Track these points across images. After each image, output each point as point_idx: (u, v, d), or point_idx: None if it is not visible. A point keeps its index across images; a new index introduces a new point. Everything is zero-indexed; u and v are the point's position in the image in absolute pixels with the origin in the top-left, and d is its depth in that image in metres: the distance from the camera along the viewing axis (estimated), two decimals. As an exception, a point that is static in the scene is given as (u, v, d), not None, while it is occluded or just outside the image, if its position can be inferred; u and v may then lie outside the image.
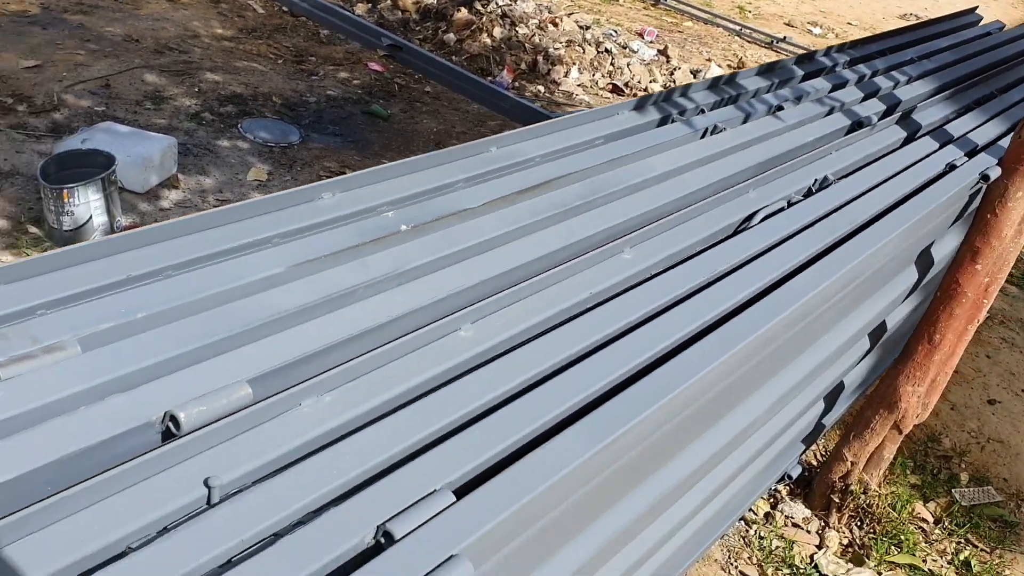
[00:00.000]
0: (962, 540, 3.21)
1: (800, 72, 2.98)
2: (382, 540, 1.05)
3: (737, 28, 9.22)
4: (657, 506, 1.83)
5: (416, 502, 1.09)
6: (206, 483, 1.06)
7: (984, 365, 4.23)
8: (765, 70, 2.88)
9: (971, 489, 3.46)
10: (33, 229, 3.73)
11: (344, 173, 4.54)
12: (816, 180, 2.27)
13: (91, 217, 3.62)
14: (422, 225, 1.61)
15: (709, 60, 8.02)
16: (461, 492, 1.13)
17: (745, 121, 2.51)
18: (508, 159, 1.93)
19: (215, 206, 4.17)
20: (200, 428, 1.10)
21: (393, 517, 1.06)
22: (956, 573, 3.07)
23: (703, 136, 2.35)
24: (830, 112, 2.69)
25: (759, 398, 2.08)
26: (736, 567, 2.88)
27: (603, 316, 1.54)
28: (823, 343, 2.36)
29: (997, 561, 3.14)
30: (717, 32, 9.11)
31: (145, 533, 1.01)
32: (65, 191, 3.53)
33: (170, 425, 1.11)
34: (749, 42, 8.96)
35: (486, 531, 1.06)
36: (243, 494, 1.07)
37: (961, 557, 3.13)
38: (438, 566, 1.00)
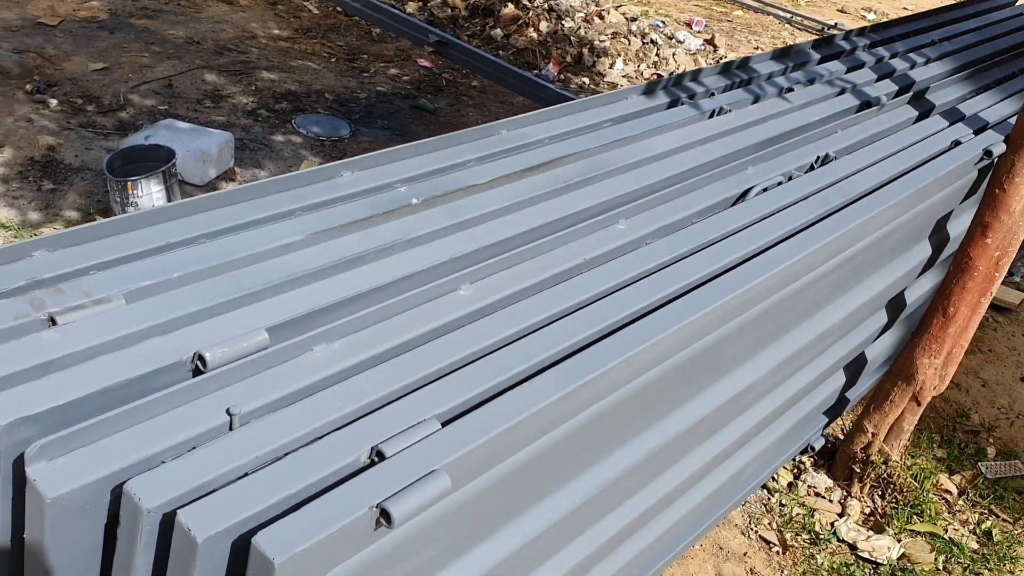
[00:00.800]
0: (985, 511, 3.28)
1: (816, 55, 3.09)
2: (375, 458, 1.22)
3: (788, 16, 9.21)
4: (657, 459, 1.98)
5: (406, 429, 1.27)
6: (228, 412, 1.25)
7: (1019, 344, 4.26)
8: (780, 54, 2.99)
9: (998, 462, 3.52)
10: (101, 219, 4.00)
11: (391, 164, 4.75)
12: (818, 157, 2.38)
13: (153, 207, 3.87)
14: (431, 199, 1.79)
15: (757, 48, 8.06)
16: (448, 423, 1.30)
17: (754, 102, 2.64)
18: (517, 140, 2.09)
19: (269, 197, 4.41)
20: (223, 366, 1.29)
21: (385, 440, 1.24)
22: (977, 542, 3.15)
23: (710, 117, 2.48)
24: (840, 93, 2.80)
25: (759, 362, 2.21)
26: (756, 531, 3.00)
27: (594, 278, 1.70)
28: (829, 312, 2.48)
29: (1019, 531, 3.20)
30: (767, 20, 9.12)
31: (176, 451, 1.20)
32: (129, 183, 3.79)
33: (198, 364, 1.30)
34: (800, 30, 8.95)
35: (464, 453, 1.24)
36: (258, 421, 1.26)
37: (983, 527, 3.20)
38: (420, 478, 1.18)
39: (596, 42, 7.03)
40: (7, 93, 4.88)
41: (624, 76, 6.89)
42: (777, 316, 2.10)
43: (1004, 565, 3.04)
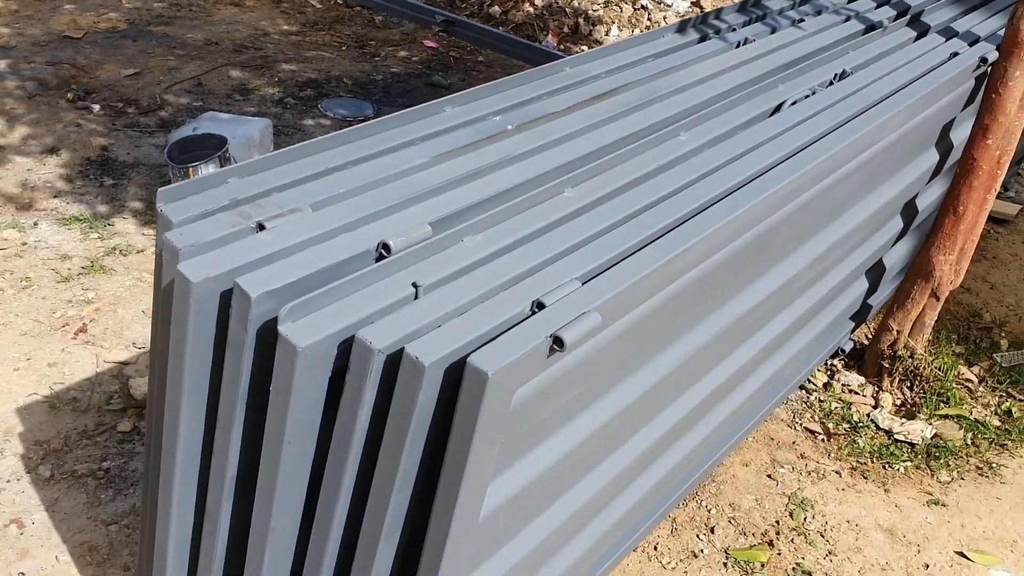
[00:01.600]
0: (1004, 394, 3.61)
1: (818, -9, 3.40)
2: (536, 309, 1.54)
3: (766, -26, 9.50)
4: (724, 339, 2.31)
5: (556, 287, 1.58)
6: (413, 284, 1.57)
7: (1021, 250, 4.60)
8: (787, -8, 3.31)
9: (1011, 352, 3.86)
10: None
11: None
12: (836, 74, 2.71)
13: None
14: (522, 125, 2.11)
15: (741, 6, 8.36)
16: (585, 283, 1.62)
17: (772, 33, 2.96)
18: (579, 76, 2.41)
19: (311, 176, 4.72)
20: (402, 251, 1.61)
21: (543, 295, 1.56)
22: (999, 420, 3.48)
23: (736, 47, 2.80)
24: (846, 20, 3.12)
25: (799, 256, 2.54)
26: (801, 424, 3.34)
27: (668, 178, 2.02)
28: (854, 212, 2.80)
29: (1036, 408, 3.54)
30: (747, -20, 9.41)
31: (382, 313, 1.51)
32: (191, 169, 4.09)
33: (382, 251, 1.62)
34: (779, -14, 9.25)
35: (605, 300, 1.56)
36: (437, 290, 1.57)
37: (1003, 407, 3.54)
38: (578, 316, 1.50)
39: (590, 11, 7.33)
40: (51, 103, 5.18)
41: (620, 42, 7.19)
42: (813, 211, 2.42)
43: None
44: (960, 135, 3.30)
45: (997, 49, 2.97)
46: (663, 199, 1.93)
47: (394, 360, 1.44)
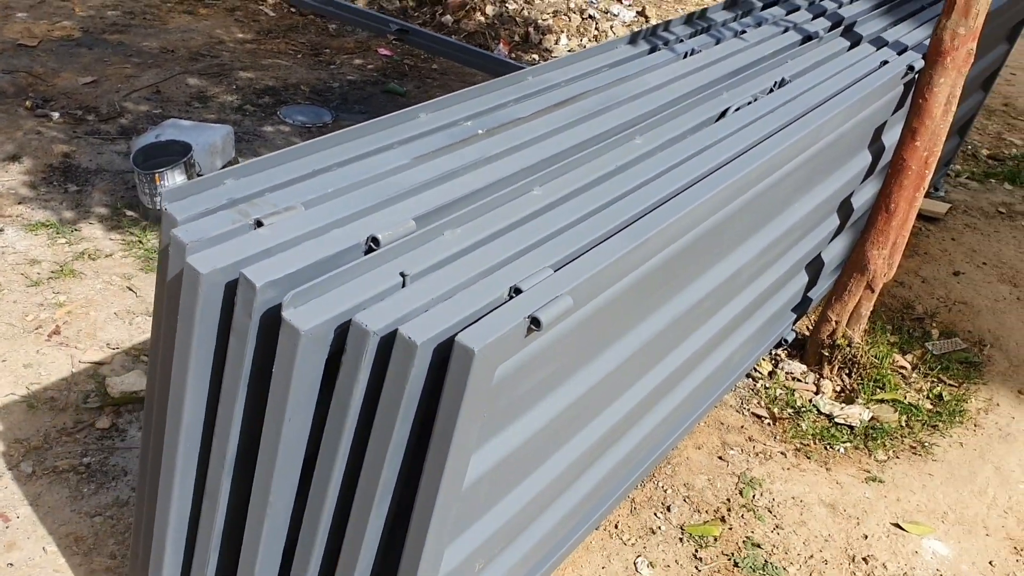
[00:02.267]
0: (935, 380, 3.87)
1: (759, 3, 3.63)
2: (513, 294, 1.71)
3: (708, -16, 9.81)
4: (678, 326, 2.50)
5: (530, 275, 1.75)
6: (401, 273, 1.72)
7: (950, 247, 4.89)
8: (730, 4, 3.53)
9: (941, 341, 4.12)
10: (129, 212, 4.39)
11: (376, 144, 5.18)
12: (775, 82, 2.92)
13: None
14: (492, 129, 2.28)
15: (685, 15, 8.62)
16: (557, 271, 1.79)
17: (716, 44, 3.17)
18: (542, 84, 2.59)
19: (273, 181, 4.83)
20: (390, 244, 1.77)
21: (519, 281, 1.73)
22: (931, 403, 3.74)
23: (684, 57, 3.00)
24: (785, 31, 3.35)
25: (745, 248, 2.74)
26: (748, 409, 3.55)
27: (627, 178, 2.20)
28: (794, 209, 3.01)
29: (963, 392, 3.80)
30: (691, -11, 9.70)
31: (375, 300, 1.67)
32: (157, 175, 4.19)
33: (372, 244, 1.77)
34: (721, -5, 9.54)
35: (575, 285, 1.73)
36: (423, 279, 1.73)
37: (935, 392, 3.80)
38: (552, 299, 1.67)
39: (540, 21, 7.54)
40: (9, 111, 5.22)
41: (569, 50, 7.41)
42: (757, 208, 2.62)
43: (954, 418, 3.64)
44: (891, 138, 3.54)
45: (923, 58, 3.22)
46: (622, 196, 2.11)
47: (387, 341, 1.59)
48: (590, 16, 7.86)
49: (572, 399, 2.07)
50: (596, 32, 7.68)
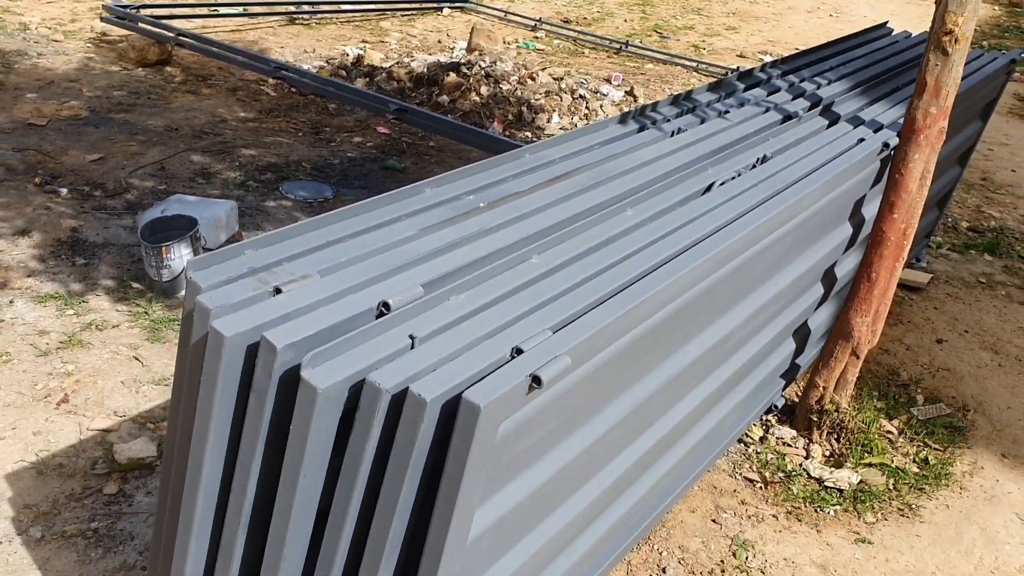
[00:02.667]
0: (921, 444, 3.97)
1: (742, 85, 3.83)
2: (515, 354, 1.83)
3: (694, 65, 10.14)
4: (669, 388, 2.61)
5: (530, 336, 1.88)
6: (410, 336, 1.85)
7: (932, 315, 5.04)
8: (714, 86, 3.73)
9: (926, 407, 4.24)
10: (135, 284, 4.52)
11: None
12: (758, 158, 3.09)
13: (184, 268, 4.41)
14: (493, 203, 2.43)
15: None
16: (556, 332, 1.92)
17: (701, 123, 3.35)
18: (538, 161, 2.75)
19: (275, 254, 4.97)
20: (399, 309, 1.89)
21: (520, 342, 1.85)
22: (917, 467, 3.83)
23: (671, 136, 3.18)
24: (766, 111, 3.54)
25: (735, 314, 2.87)
26: (740, 474, 3.64)
27: (620, 246, 2.34)
28: (778, 279, 3.15)
29: (949, 456, 3.90)
30: (676, 70, 10.02)
31: (386, 361, 1.79)
32: (164, 248, 4.33)
33: (383, 309, 1.90)
34: (707, 76, 9.86)
35: (573, 345, 1.85)
36: (429, 340, 1.85)
37: (921, 455, 3.90)
38: (552, 359, 1.79)
39: (532, 100, 7.80)
40: (20, 187, 5.38)
41: (561, 128, 7.65)
42: (743, 275, 2.76)
43: (940, 480, 3.73)
44: (871, 210, 3.71)
45: (898, 135, 3.40)
46: (615, 264, 2.25)
47: (398, 399, 1.71)
48: (580, 96, 8.14)
49: (569, 459, 2.18)
50: (587, 111, 7.94)
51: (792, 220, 2.85)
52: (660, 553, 3.18)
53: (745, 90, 3.81)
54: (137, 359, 3.96)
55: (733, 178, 2.90)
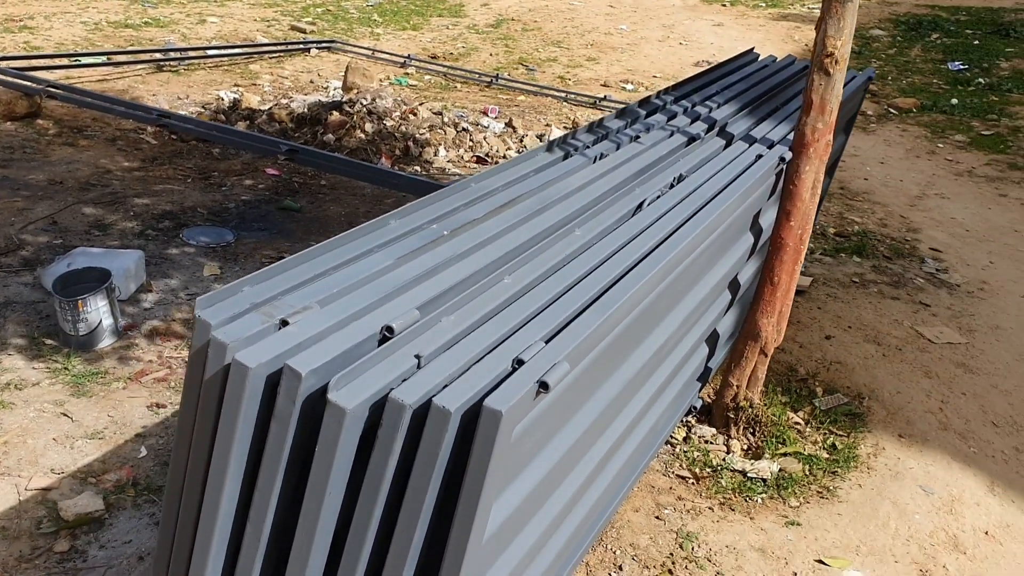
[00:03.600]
0: (826, 432, 4.32)
1: (643, 112, 4.12)
2: (516, 365, 1.99)
3: (563, 95, 10.53)
4: (626, 389, 2.82)
5: (527, 347, 2.04)
6: (416, 356, 1.98)
7: (817, 315, 5.45)
8: (620, 114, 4.00)
9: (826, 398, 4.60)
10: (49, 340, 4.42)
11: (281, 258, 5.39)
12: (675, 177, 3.35)
13: (101, 320, 4.35)
14: (455, 230, 2.58)
15: (548, 125, 9.26)
16: (547, 342, 2.08)
17: (618, 149, 3.60)
18: (484, 190, 2.92)
19: (187, 300, 4.95)
20: (402, 332, 2.02)
21: (519, 353, 2.01)
22: (827, 453, 4.17)
23: (595, 161, 3.41)
24: (671, 135, 3.82)
25: (669, 321, 3.11)
26: (673, 472, 3.88)
27: (579, 263, 2.54)
28: (701, 285, 3.42)
29: (852, 440, 4.26)
30: (547, 101, 10.39)
31: (396, 382, 1.91)
32: (80, 301, 4.26)
33: (386, 333, 2.03)
34: (576, 105, 10.26)
35: (568, 351, 2.03)
36: (435, 359, 1.99)
37: (828, 442, 4.24)
38: (554, 365, 1.96)
39: (417, 135, 7.97)
40: (-97, 250, 5.15)
41: (449, 161, 7.85)
42: (678, 283, 3.01)
43: (849, 463, 4.07)
44: (767, 220, 4.05)
45: (790, 150, 3.74)
46: (582, 278, 2.45)
47: (418, 413, 1.84)
48: (464, 128, 8.36)
49: (555, 461, 2.34)
50: (471, 142, 8.16)
51: (715, 231, 3.12)
52: (614, 552, 3.37)
53: (647, 116, 4.10)
54: (65, 415, 3.88)
55: (658, 197, 3.15)
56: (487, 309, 2.21)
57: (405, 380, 1.90)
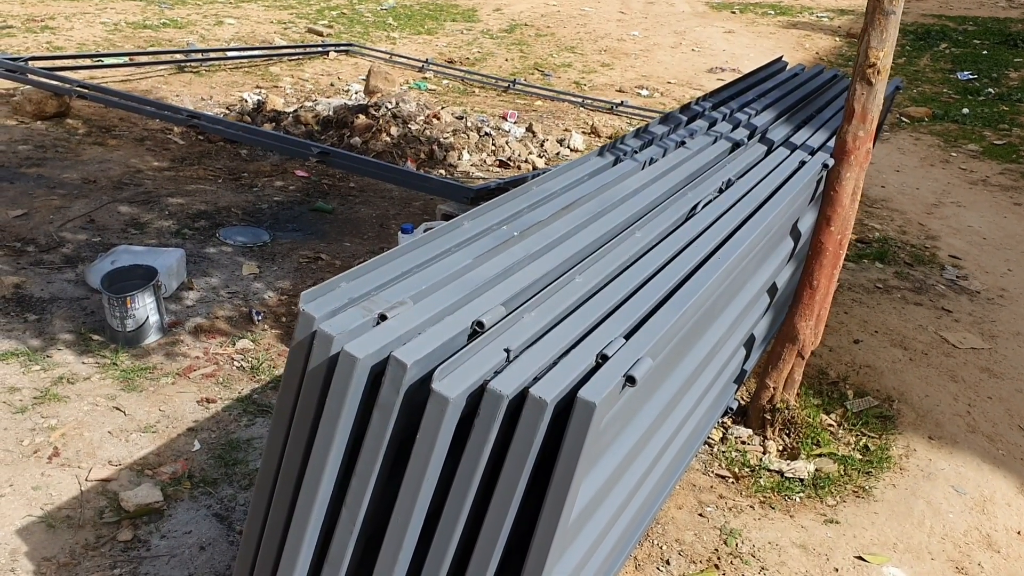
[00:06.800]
0: (859, 433, 4.41)
1: (685, 118, 4.21)
2: (601, 360, 2.08)
3: (579, 100, 10.64)
4: (685, 386, 2.91)
5: (609, 343, 2.13)
6: (505, 350, 2.07)
7: (845, 319, 5.55)
8: (663, 120, 4.09)
9: (857, 400, 4.69)
10: (96, 336, 4.50)
11: (319, 260, 5.50)
12: (723, 182, 3.45)
13: (148, 317, 4.44)
14: (524, 231, 2.68)
15: (568, 130, 9.36)
16: (627, 338, 2.18)
17: (665, 153, 3.69)
18: (545, 192, 3.01)
19: (228, 298, 5.03)
20: (491, 327, 2.11)
21: (603, 348, 2.10)
22: (860, 454, 4.26)
23: (644, 166, 3.50)
24: (715, 140, 3.92)
25: (722, 321, 3.20)
26: (712, 471, 3.97)
27: (644, 263, 2.63)
28: (744, 293, 3.51)
29: (884, 442, 4.35)
30: (564, 106, 10.49)
31: (489, 373, 2.00)
32: (128, 298, 4.35)
33: (477, 328, 2.12)
34: (593, 110, 10.36)
35: (650, 347, 2.12)
36: (523, 353, 2.08)
37: (861, 443, 4.33)
38: (638, 360, 2.05)
39: (441, 139, 8.06)
40: (-53, 246, 5.24)
41: (472, 164, 7.94)
42: (730, 288, 3.10)
43: (882, 464, 4.16)
44: (805, 225, 4.14)
45: (832, 156, 3.84)
46: (648, 280, 2.54)
47: (514, 403, 1.93)
48: (486, 133, 8.46)
49: (623, 453, 2.43)
50: (494, 147, 8.26)
51: (767, 235, 3.21)
52: (660, 547, 3.46)
53: (688, 123, 4.19)
54: (118, 409, 3.97)
55: (710, 200, 3.24)
56: (565, 306, 2.31)
57: (498, 372, 1.99)
